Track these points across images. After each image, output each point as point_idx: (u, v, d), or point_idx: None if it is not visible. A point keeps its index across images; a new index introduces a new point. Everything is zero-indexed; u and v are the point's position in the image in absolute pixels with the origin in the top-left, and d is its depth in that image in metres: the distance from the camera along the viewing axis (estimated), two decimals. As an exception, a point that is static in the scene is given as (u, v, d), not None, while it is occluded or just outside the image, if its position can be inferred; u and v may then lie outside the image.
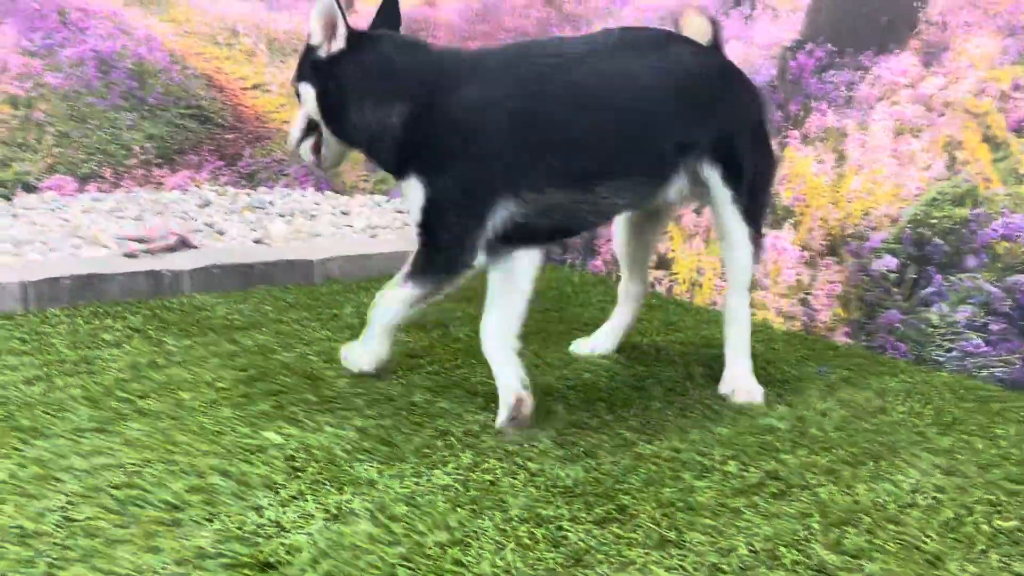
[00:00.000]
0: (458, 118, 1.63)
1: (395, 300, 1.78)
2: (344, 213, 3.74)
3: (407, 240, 3.19)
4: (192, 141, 4.08)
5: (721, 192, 1.80)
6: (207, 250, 2.81)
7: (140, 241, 2.66)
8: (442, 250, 1.71)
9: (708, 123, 1.75)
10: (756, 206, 1.85)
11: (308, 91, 1.73)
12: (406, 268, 1.76)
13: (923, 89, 2.21)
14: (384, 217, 3.63)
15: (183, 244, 2.77)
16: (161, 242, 2.68)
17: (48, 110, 3.68)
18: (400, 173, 1.71)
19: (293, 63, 4.24)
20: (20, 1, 3.57)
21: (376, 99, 1.67)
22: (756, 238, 1.87)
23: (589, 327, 2.38)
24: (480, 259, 1.72)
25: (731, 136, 1.78)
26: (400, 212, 3.78)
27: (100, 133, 3.81)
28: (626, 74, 1.68)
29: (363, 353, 1.86)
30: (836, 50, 2.38)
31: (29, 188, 3.65)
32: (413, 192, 1.68)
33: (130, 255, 2.61)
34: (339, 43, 1.69)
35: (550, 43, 1.75)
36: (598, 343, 2.15)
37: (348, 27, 1.69)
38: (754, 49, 2.55)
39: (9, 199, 3.56)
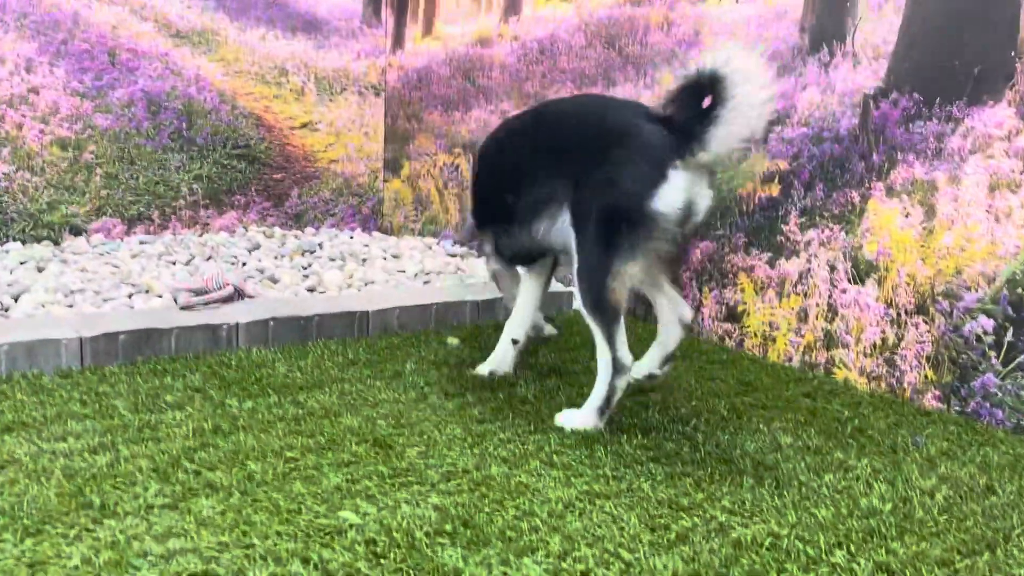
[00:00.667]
0: None
1: None
2: (395, 257, 3.73)
3: (463, 286, 3.16)
4: (240, 181, 4.11)
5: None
6: (262, 301, 2.80)
7: (196, 293, 2.66)
8: None
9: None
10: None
11: None
12: None
13: (1020, 143, 2.14)
14: (436, 260, 3.61)
15: (239, 294, 2.77)
16: (217, 293, 2.67)
17: (97, 151, 3.73)
18: None
19: (342, 101, 4.30)
20: (71, 43, 3.63)
21: None
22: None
23: (657, 391, 2.32)
24: None
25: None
26: (452, 256, 3.76)
27: (148, 174, 3.85)
28: None
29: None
30: (923, 99, 2.32)
31: (76, 231, 3.69)
32: None
33: (186, 307, 2.61)
34: None
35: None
36: (641, 366, 2.20)
37: None
38: (833, 97, 2.50)
39: (57, 243, 3.60)
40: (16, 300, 2.69)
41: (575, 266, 1.99)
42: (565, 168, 2.00)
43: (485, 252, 2.41)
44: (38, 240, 3.59)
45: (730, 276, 2.79)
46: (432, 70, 4.13)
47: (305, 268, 3.43)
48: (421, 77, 4.21)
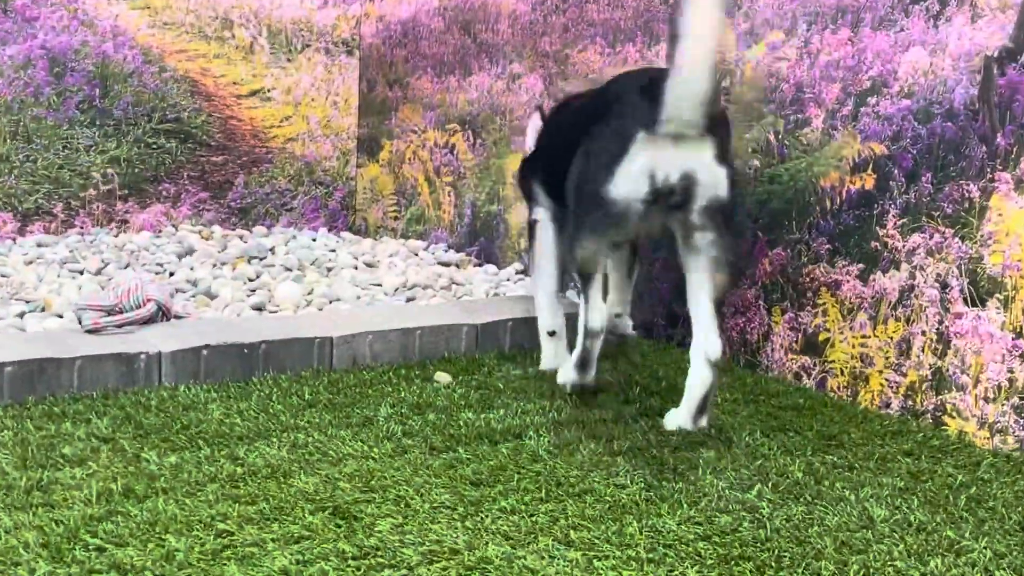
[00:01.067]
0: None
1: None
2: (369, 266, 3.74)
3: (459, 307, 3.16)
4: (169, 166, 4.13)
5: None
6: (193, 323, 2.80)
7: (108, 312, 2.66)
8: None
9: None
10: None
11: None
12: None
13: None
14: (423, 272, 3.61)
15: (163, 314, 2.78)
16: (135, 313, 2.68)
17: (-16, 126, 3.76)
18: None
19: (303, 62, 4.33)
20: (-47, -16, 3.68)
21: None
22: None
23: (716, 439, 2.31)
24: None
25: None
26: (445, 264, 3.77)
27: (49, 156, 3.88)
28: None
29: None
30: (1064, 62, 2.31)
31: (-44, 228, 3.72)
32: None
33: (93, 331, 2.62)
34: None
35: None
36: (673, 418, 2.43)
37: None
38: (945, 59, 2.49)
39: (-70, 243, 3.63)
40: None
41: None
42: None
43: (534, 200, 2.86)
44: (-95, 241, 3.63)
45: (808, 294, 2.78)
46: (421, 22, 4.15)
47: (252, 280, 3.44)
48: (407, 31, 4.23)
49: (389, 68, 4.36)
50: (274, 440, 2.22)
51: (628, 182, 2.21)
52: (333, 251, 3.97)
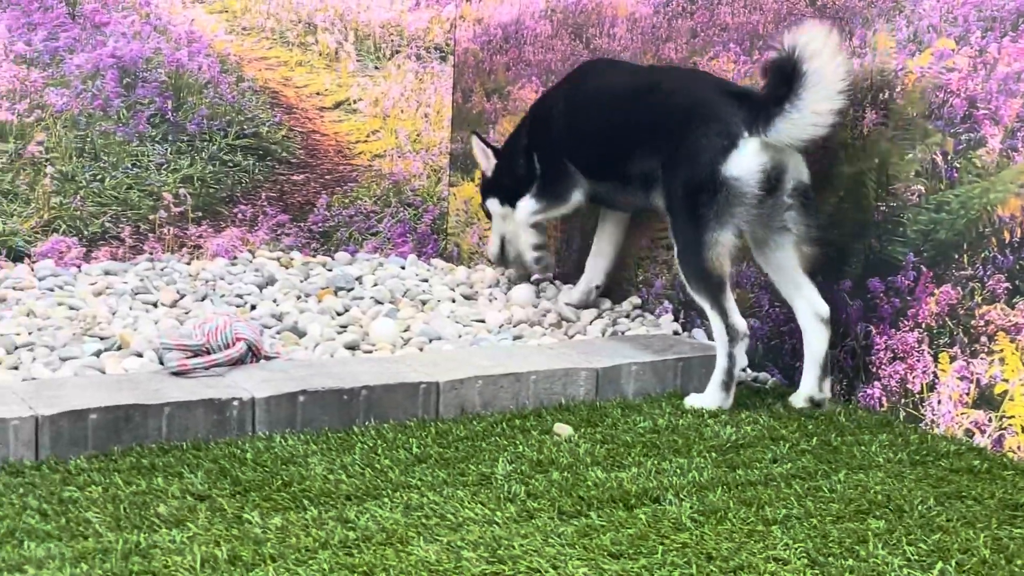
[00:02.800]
0: None
1: None
2: (467, 298, 3.76)
3: (574, 348, 3.16)
4: (245, 186, 4.21)
5: None
6: (286, 365, 2.85)
7: (194, 352, 2.72)
8: None
9: None
10: None
11: None
12: None
13: None
14: (526, 307, 3.62)
15: (252, 355, 2.82)
16: (223, 354, 2.73)
17: (48, 142, 3.87)
18: None
19: (392, 71, 4.39)
20: (18, -13, 3.81)
21: None
22: None
23: (884, 507, 2.27)
24: None
25: None
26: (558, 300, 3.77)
27: (118, 174, 3.98)
28: None
29: None
30: None
31: (17, 256, 3.83)
32: None
33: (179, 373, 2.67)
34: None
35: None
36: (800, 394, 3.02)
37: None
38: None
39: (-10, 271, 3.74)
40: (-58, 357, 2.80)
41: (675, 249, 3.03)
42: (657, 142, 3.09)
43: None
44: (-36, 266, 3.74)
45: (982, 339, 2.73)
46: (525, 26, 4.18)
47: (340, 314, 3.49)
48: (508, 36, 4.26)
49: (487, 76, 4.39)
50: (385, 500, 2.24)
51: (742, 167, 2.88)
52: (425, 281, 4.00)
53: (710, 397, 2.95)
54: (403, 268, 4.20)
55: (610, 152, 3.26)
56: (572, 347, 3.20)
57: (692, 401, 2.96)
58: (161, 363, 2.86)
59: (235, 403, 2.56)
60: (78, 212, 3.93)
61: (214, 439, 2.52)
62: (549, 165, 3.54)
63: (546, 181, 3.56)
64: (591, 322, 3.55)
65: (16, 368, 2.79)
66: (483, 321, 3.50)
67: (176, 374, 2.68)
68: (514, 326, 3.46)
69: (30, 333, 3.04)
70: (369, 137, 4.44)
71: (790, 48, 2.76)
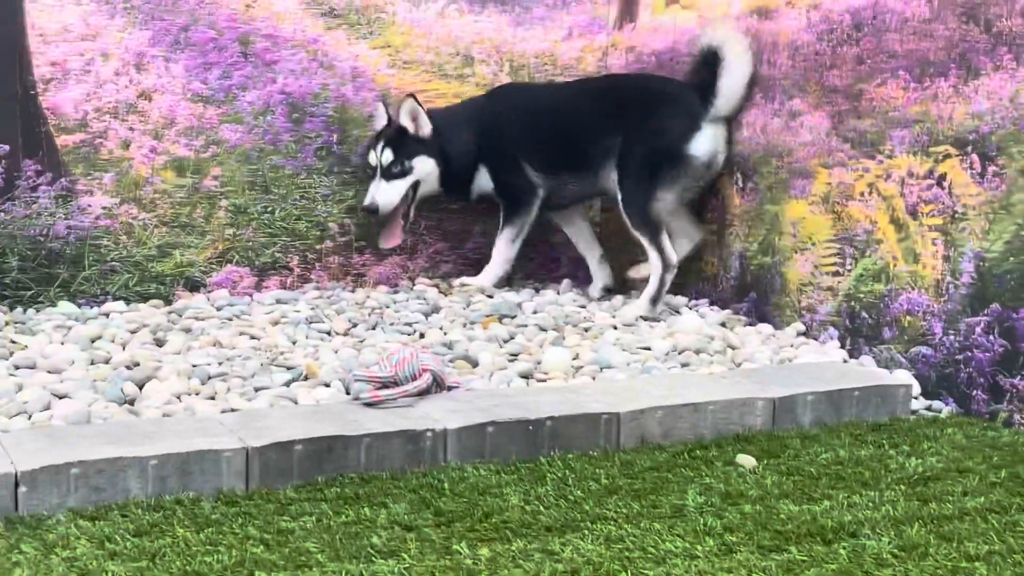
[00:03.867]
0: None
1: None
2: (628, 325, 3.79)
3: (746, 377, 3.17)
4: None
5: None
6: (470, 395, 2.92)
7: (384, 384, 2.80)
8: None
9: None
10: None
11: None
12: None
13: None
14: (691, 334, 3.63)
15: (436, 385, 2.89)
16: (412, 385, 2.80)
17: (223, 176, 4.01)
18: None
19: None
20: (193, 30, 3.95)
21: None
22: None
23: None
24: None
25: None
26: (726, 325, 3.78)
27: (287, 206, 4.10)
28: None
29: None
30: None
31: (193, 285, 3.97)
32: None
33: (371, 404, 2.75)
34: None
35: None
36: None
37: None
38: None
39: (168, 301, 3.88)
40: (141, 389, 2.93)
41: (620, 197, 3.95)
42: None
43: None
44: (144, 298, 3.89)
45: None
46: (680, 53, 4.20)
47: (506, 341, 3.54)
48: (662, 64, 4.29)
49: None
50: (585, 532, 2.28)
51: (700, 148, 3.89)
52: (584, 308, 4.04)
53: (642, 307, 3.86)
54: (559, 294, 4.24)
55: (572, 140, 4.02)
56: (745, 376, 3.21)
57: (627, 312, 3.85)
58: (347, 392, 2.95)
59: (429, 434, 2.63)
60: (250, 243, 4.06)
61: (410, 469, 2.59)
62: (507, 172, 4.12)
63: (511, 196, 4.15)
64: (755, 349, 3.56)
65: (213, 398, 2.91)
66: (649, 348, 3.52)
67: (368, 405, 2.77)
68: (680, 353, 3.48)
69: (220, 363, 3.15)
70: (524, 165, 4.50)
71: (711, 46, 3.86)
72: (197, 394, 2.93)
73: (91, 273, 3.84)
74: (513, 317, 3.82)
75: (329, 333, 3.57)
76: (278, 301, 3.93)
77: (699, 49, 3.91)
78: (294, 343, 3.41)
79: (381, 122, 4.07)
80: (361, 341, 3.48)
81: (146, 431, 2.53)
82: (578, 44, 4.53)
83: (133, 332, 3.45)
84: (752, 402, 2.98)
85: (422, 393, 2.85)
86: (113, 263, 3.87)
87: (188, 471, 2.40)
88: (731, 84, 3.82)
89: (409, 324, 3.69)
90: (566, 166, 4.07)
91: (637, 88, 4.08)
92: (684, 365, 3.39)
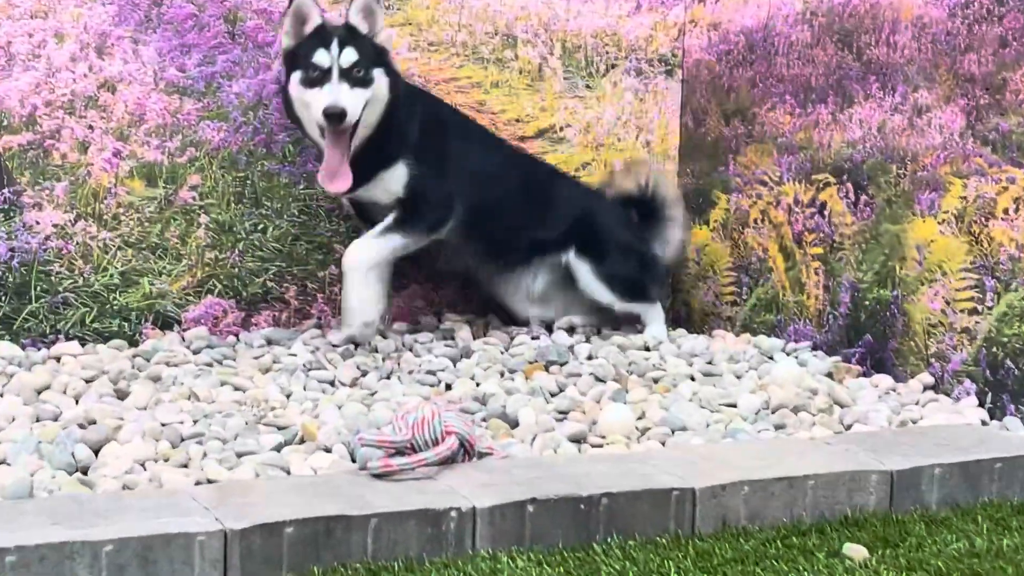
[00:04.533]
0: None
1: None
2: (708, 376, 3.78)
3: (856, 443, 3.15)
4: (430, 234, 4.31)
5: None
6: (504, 464, 2.91)
7: (398, 451, 2.80)
8: None
9: None
10: None
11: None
12: None
13: None
14: (788, 386, 3.61)
15: (465, 451, 2.89)
16: (434, 451, 2.80)
17: (203, 186, 4.04)
18: None
19: (606, 89, 4.46)
20: (167, 6, 3.98)
21: None
22: None
23: None
24: None
25: None
26: (828, 376, 3.75)
27: (282, 223, 4.13)
28: None
29: None
30: None
31: (165, 322, 4.00)
32: None
33: (382, 475, 2.75)
34: None
35: None
36: None
37: None
38: None
39: (134, 342, 3.90)
40: (97, 453, 2.94)
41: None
42: None
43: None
44: (104, 338, 3.92)
45: None
46: (776, 31, 4.20)
47: (554, 395, 3.54)
48: (752, 44, 4.29)
49: (726, 95, 4.42)
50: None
51: None
52: (653, 351, 4.03)
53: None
54: (616, 330, 4.23)
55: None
56: (854, 442, 3.18)
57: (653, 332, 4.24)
58: (353, 460, 2.95)
59: (453, 514, 2.61)
60: (235, 270, 4.08)
61: (429, 558, 2.58)
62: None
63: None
64: (868, 408, 3.53)
65: (185, 466, 2.91)
66: (734, 405, 3.50)
67: (378, 476, 2.76)
68: (773, 412, 3.46)
69: (195, 421, 3.17)
70: (579, 171, 4.50)
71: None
72: (166, 460, 2.93)
73: (38, 307, 3.87)
74: (563, 364, 3.82)
75: (332, 383, 3.58)
76: (269, 342, 3.95)
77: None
78: (288, 396, 3.42)
79: (309, 24, 3.83)
80: (372, 394, 3.48)
81: (100, 508, 2.53)
82: (648, 20, 4.54)
83: (89, 381, 3.47)
84: (864, 476, 2.95)
85: (446, 462, 2.84)
86: (66, 294, 3.91)
87: (151, 559, 2.40)
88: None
89: (432, 372, 3.69)
90: None
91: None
92: (779, 427, 3.36)
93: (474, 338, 4.12)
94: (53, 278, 3.90)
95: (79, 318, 3.93)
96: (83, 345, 3.86)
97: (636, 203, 4.47)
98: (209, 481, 2.81)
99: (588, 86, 4.50)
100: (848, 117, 3.95)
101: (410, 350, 3.91)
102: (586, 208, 4.32)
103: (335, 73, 3.75)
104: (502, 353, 3.93)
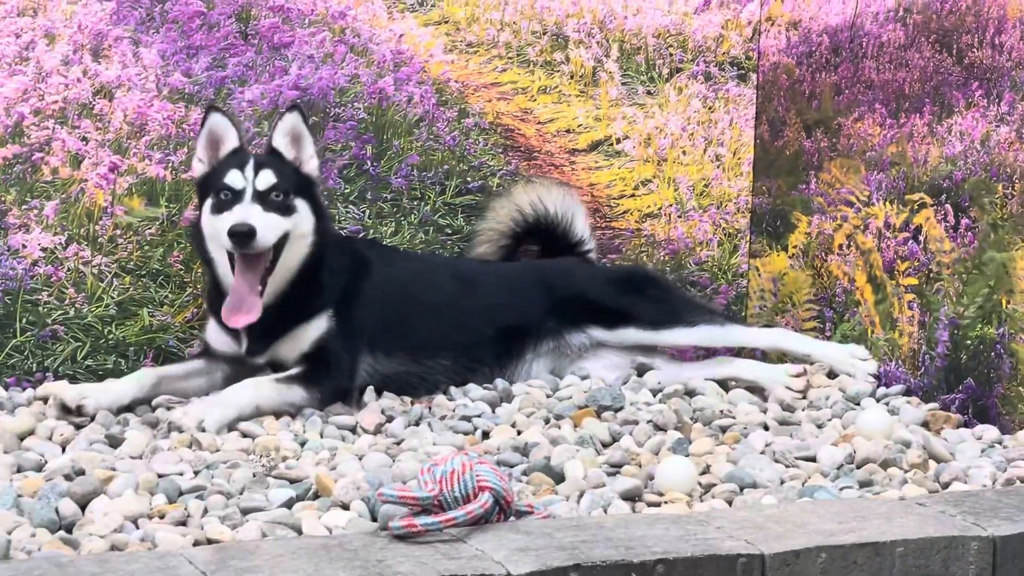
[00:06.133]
0: None
1: None
2: (785, 423, 3.74)
3: (954, 504, 3.11)
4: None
5: None
6: (545, 525, 2.88)
7: (425, 509, 2.78)
8: None
9: None
10: None
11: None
12: None
13: None
14: (875, 438, 3.57)
15: (500, 510, 2.87)
16: (464, 509, 2.78)
17: (211, 205, 4.05)
18: None
19: (669, 96, 4.44)
20: (173, 2, 4.00)
21: None
22: None
23: None
24: None
25: None
26: (928, 426, 3.72)
27: (300, 248, 4.12)
28: None
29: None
30: None
31: (167, 358, 4.00)
32: None
33: (406, 536, 2.73)
34: None
35: None
36: None
37: None
38: None
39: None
40: (84, 509, 2.94)
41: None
42: None
43: None
44: (97, 376, 3.93)
45: None
46: (864, 32, 4.17)
47: (607, 445, 3.51)
48: (837, 46, 4.26)
49: (807, 102, 4.39)
50: None
51: None
52: (728, 395, 3.99)
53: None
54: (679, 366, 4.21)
55: None
56: (952, 503, 3.13)
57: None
58: (373, 518, 2.93)
59: (482, 583, 2.60)
60: (247, 299, 4.09)
61: (459, 634, 2.56)
62: None
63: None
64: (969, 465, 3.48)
65: (184, 523, 2.91)
66: (814, 459, 3.46)
67: (400, 537, 2.74)
68: (859, 467, 3.42)
69: (196, 473, 3.17)
70: (638, 190, 4.49)
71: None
72: (161, 517, 2.93)
73: (24, 341, 3.90)
74: (618, 409, 3.80)
75: (353, 430, 3.58)
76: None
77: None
78: (302, 445, 3.41)
79: (225, 146, 3.85)
80: (398, 443, 3.47)
81: (84, 573, 2.52)
82: (718, 18, 4.54)
83: (78, 427, 3.48)
84: (963, 543, 2.90)
85: (478, 521, 2.82)
86: (55, 327, 3.93)
87: (139, 632, 2.40)
88: None
89: (468, 419, 3.67)
90: None
91: None
92: (864, 484, 3.32)
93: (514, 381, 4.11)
94: (41, 309, 3.92)
95: (70, 353, 3.95)
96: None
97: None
98: (209, 541, 2.79)
99: (649, 92, 4.49)
100: (947, 129, 3.91)
101: (443, 393, 3.89)
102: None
103: (248, 194, 3.72)
104: (548, 397, 3.90)
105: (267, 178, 3.73)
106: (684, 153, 4.54)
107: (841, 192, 4.27)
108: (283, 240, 3.74)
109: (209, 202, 3.76)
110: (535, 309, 4.21)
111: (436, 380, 3.99)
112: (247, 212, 3.66)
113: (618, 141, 4.48)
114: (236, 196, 3.71)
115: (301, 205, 3.79)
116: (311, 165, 3.87)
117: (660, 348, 4.25)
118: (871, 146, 4.16)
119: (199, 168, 3.84)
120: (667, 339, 4.21)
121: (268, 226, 3.68)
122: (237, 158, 3.79)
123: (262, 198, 3.71)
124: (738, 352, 4.36)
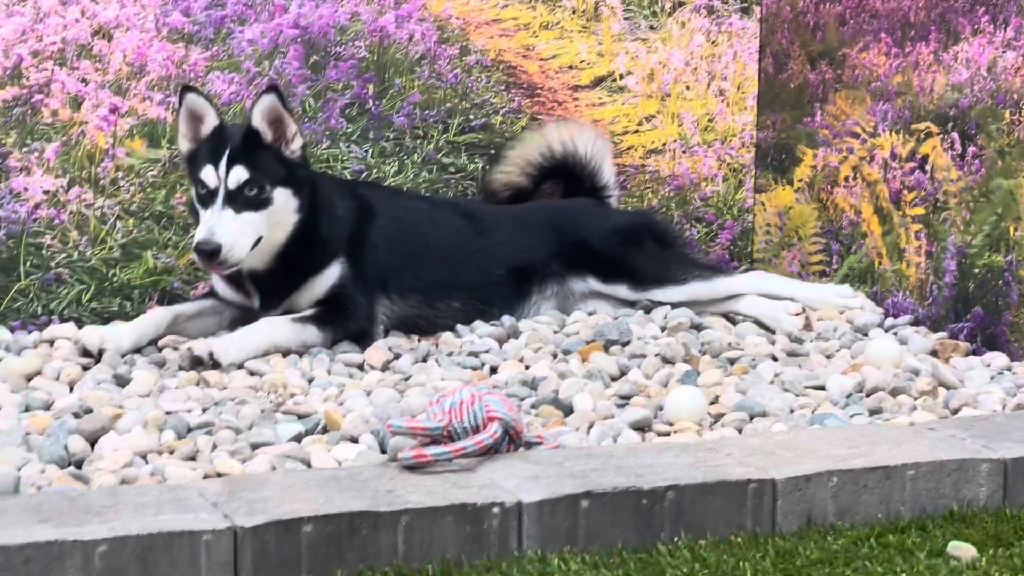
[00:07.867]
0: None
1: None
2: (793, 355, 3.75)
3: (963, 429, 3.12)
4: (472, 198, 4.30)
5: None
6: (555, 454, 2.90)
7: (434, 439, 2.79)
8: None
9: None
10: None
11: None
12: None
13: None
14: (884, 367, 3.57)
15: (509, 440, 2.88)
16: (474, 439, 2.79)
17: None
18: None
19: (672, 31, 4.42)
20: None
21: None
22: None
23: None
24: None
25: None
26: (937, 355, 3.71)
27: (303, 188, 4.12)
28: None
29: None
30: None
31: (172, 299, 4.01)
32: None
33: (415, 466, 2.74)
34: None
35: None
36: None
37: None
38: None
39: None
40: (93, 445, 2.95)
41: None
42: None
43: None
44: (103, 319, 3.93)
45: None
46: None
47: (615, 379, 3.52)
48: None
49: (811, 34, 4.38)
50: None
51: None
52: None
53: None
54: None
55: None
56: (961, 427, 3.14)
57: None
58: (382, 450, 2.94)
59: (495, 510, 2.60)
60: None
61: (468, 560, 2.57)
62: None
63: None
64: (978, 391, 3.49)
65: (193, 458, 2.92)
66: (823, 388, 3.47)
67: (410, 467, 2.75)
68: (868, 395, 3.42)
69: (205, 410, 3.18)
70: (642, 125, 4.48)
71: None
72: (171, 453, 2.95)
73: (28, 284, 3.90)
74: (626, 343, 3.80)
75: (361, 367, 3.59)
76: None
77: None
78: (310, 381, 3.43)
79: (206, 124, 3.78)
80: (405, 379, 3.48)
81: (95, 505, 2.54)
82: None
83: (85, 367, 3.49)
84: (973, 465, 2.92)
85: (487, 451, 2.83)
86: (59, 270, 3.93)
87: (151, 561, 2.40)
88: None
89: (475, 354, 3.68)
90: None
91: None
92: (874, 412, 3.33)
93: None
94: (44, 252, 3.92)
95: (74, 297, 3.95)
96: (79, 327, 3.86)
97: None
98: (219, 475, 2.81)
99: (652, 27, 4.48)
100: (953, 56, 3.90)
101: (450, 329, 3.90)
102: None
103: (220, 196, 3.67)
104: (555, 332, 3.91)
105: (239, 174, 3.67)
106: (688, 88, 4.53)
107: (847, 124, 4.26)
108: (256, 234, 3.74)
109: (194, 189, 3.76)
110: (542, 251, 4.21)
111: (447, 323, 3.98)
112: (215, 222, 3.62)
113: (621, 77, 4.47)
114: (210, 196, 3.68)
115: (279, 194, 3.75)
116: (294, 146, 3.80)
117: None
118: (876, 76, 4.15)
119: (185, 145, 3.80)
120: (658, 297, 4.17)
121: (240, 233, 3.65)
122: (213, 145, 3.72)
123: (234, 198, 3.67)
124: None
